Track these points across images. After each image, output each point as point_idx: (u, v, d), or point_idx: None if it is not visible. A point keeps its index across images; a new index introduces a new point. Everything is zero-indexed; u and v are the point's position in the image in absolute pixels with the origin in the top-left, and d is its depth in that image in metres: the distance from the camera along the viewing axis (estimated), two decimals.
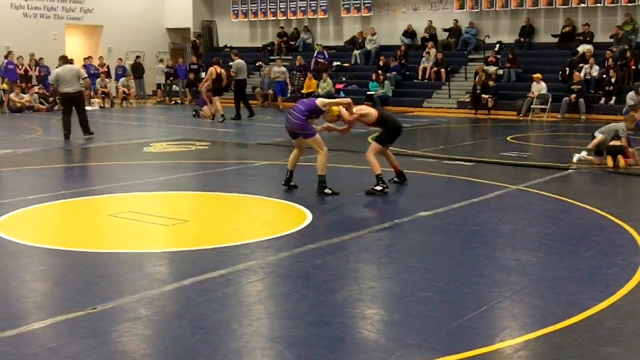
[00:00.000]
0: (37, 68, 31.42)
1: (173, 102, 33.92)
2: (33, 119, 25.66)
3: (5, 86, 29.55)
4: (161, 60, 36.07)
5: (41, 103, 29.10)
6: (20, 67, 30.52)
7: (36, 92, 29.53)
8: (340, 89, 31.49)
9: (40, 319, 5.71)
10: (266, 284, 6.77)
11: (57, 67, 19.70)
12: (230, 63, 26.39)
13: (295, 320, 5.74)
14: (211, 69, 25.13)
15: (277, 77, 31.01)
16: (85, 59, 32.88)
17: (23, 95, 28.69)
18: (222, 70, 25.30)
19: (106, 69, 33.18)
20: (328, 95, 27.05)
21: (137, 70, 34.76)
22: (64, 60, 20.44)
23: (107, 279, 6.86)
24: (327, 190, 10.85)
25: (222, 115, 24.41)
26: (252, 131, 21.68)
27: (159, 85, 35.60)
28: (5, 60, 30.02)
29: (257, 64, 35.01)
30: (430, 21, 32.21)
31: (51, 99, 28.99)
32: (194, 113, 26.30)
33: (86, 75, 20.45)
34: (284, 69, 31.14)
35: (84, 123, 19.04)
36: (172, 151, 16.49)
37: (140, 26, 37.29)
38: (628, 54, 26.29)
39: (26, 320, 5.70)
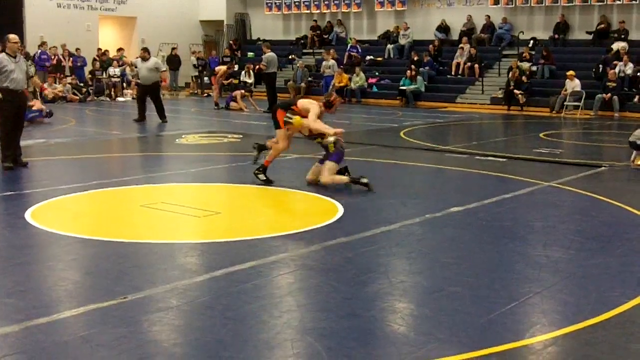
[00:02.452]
0: (71, 59, 31.61)
1: (205, 94, 33.98)
2: (66, 109, 25.84)
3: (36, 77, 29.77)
4: (193, 52, 36.20)
5: (74, 94, 29.28)
6: (53, 57, 30.64)
7: (69, 83, 29.71)
8: (373, 83, 31.47)
9: (72, 307, 5.75)
10: (297, 276, 6.79)
11: (144, 59, 21.72)
12: (262, 56, 26.46)
13: (325, 312, 5.75)
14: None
15: (324, 71, 30.79)
16: (118, 50, 33.00)
17: (56, 85, 28.89)
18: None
19: None
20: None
21: (173, 62, 34.89)
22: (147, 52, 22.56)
23: (139, 269, 6.90)
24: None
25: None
26: None
27: (193, 78, 35.75)
28: (39, 51, 30.20)
29: (290, 57, 35.02)
30: (470, 16, 32.11)
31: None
32: (222, 106, 26.59)
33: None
34: (332, 62, 30.50)
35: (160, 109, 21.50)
36: (205, 143, 16.55)
37: (173, 18, 37.42)
38: None
39: (58, 309, 5.75)
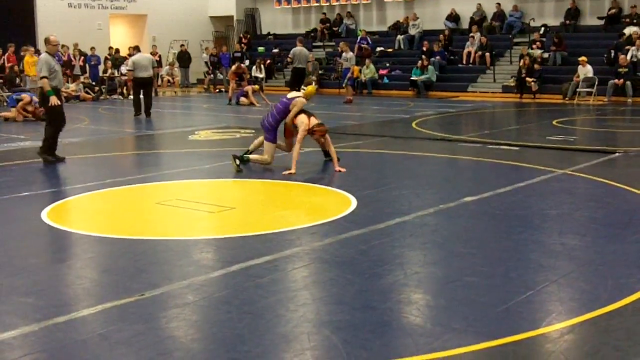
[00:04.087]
0: (82, 58, 31.70)
1: (217, 90, 33.98)
2: (79, 108, 25.89)
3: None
4: (206, 49, 36.19)
5: (87, 92, 29.34)
6: (64, 56, 30.71)
7: (82, 82, 29.79)
8: (383, 74, 31.43)
9: (89, 305, 5.78)
10: (312, 270, 6.80)
11: (130, 55, 23.03)
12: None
13: (341, 305, 5.76)
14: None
15: (342, 64, 30.63)
16: (129, 48, 33.05)
17: (69, 85, 28.97)
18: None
19: (158, 58, 33.16)
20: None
21: (183, 59, 34.87)
22: (138, 49, 23.74)
23: (155, 266, 6.93)
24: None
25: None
26: None
27: (205, 74, 35.77)
28: None
29: None
30: (480, 4, 32.02)
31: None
32: (233, 102, 26.65)
33: (156, 65, 23.39)
34: (351, 54, 29.61)
35: (148, 106, 21.93)
36: (218, 139, 16.57)
37: (184, 15, 37.52)
38: None
39: (76, 307, 5.78)
